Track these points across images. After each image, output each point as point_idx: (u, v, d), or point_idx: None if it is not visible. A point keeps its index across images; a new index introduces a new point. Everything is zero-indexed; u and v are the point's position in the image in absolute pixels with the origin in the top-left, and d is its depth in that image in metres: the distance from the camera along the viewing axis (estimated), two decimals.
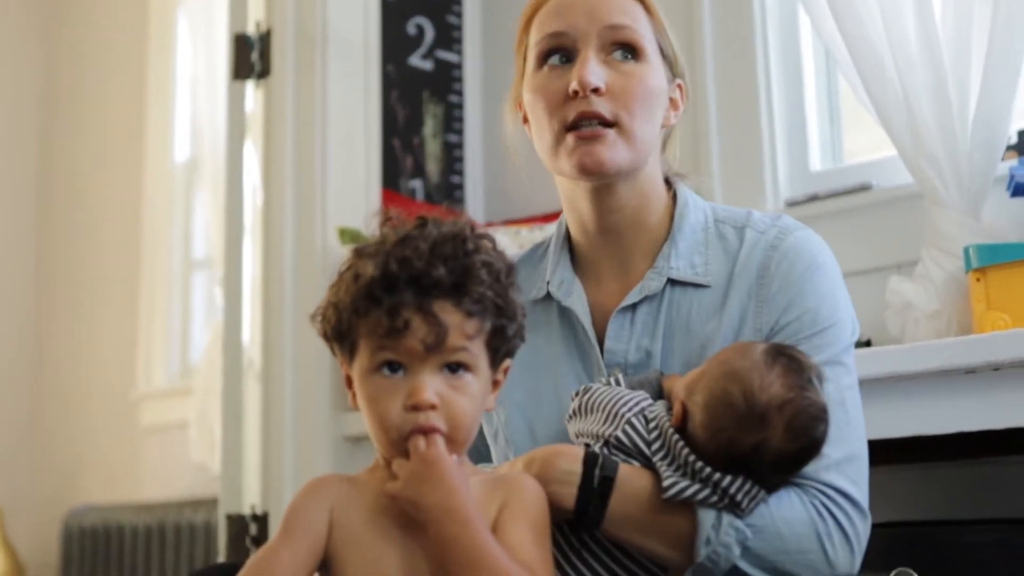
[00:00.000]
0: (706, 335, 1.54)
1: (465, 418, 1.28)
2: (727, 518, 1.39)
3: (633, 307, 1.58)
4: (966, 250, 2.04)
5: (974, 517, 2.16)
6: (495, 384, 1.35)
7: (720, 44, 2.72)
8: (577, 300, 1.62)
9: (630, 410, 1.46)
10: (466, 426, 1.29)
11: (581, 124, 1.54)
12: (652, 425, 1.45)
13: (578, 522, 1.42)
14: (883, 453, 1.69)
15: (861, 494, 1.46)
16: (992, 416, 1.81)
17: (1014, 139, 2.29)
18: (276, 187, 2.76)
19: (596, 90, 1.53)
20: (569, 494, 1.40)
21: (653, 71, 1.57)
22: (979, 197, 2.17)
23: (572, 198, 1.64)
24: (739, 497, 1.39)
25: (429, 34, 3.08)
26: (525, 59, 1.63)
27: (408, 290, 1.26)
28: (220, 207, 3.16)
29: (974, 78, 2.18)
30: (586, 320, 1.60)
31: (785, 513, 1.41)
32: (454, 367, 1.28)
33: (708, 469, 1.39)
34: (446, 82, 3.11)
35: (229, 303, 2.86)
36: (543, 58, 1.59)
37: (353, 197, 2.73)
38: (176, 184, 4.38)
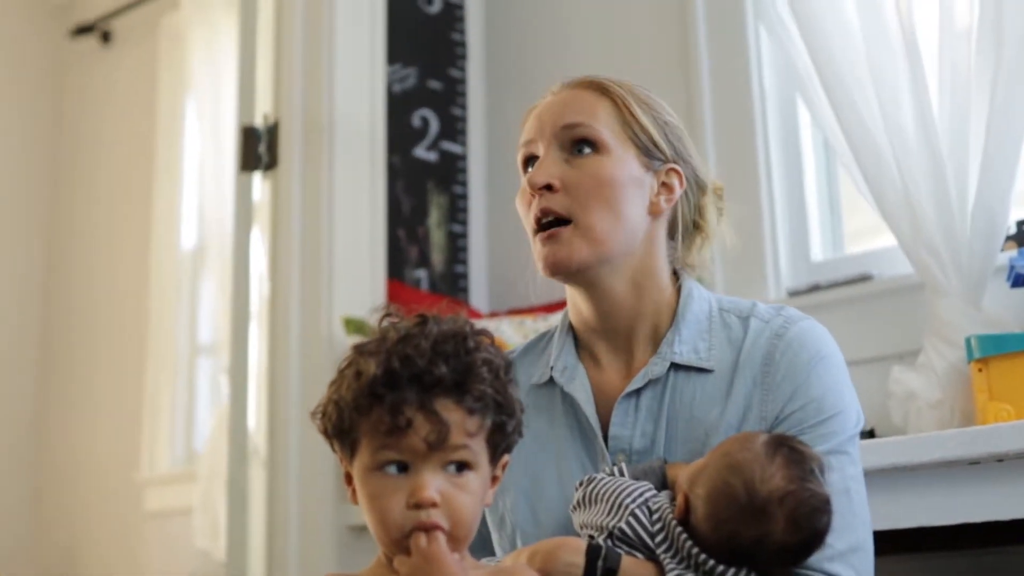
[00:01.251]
0: (710, 422, 1.54)
1: (466, 515, 1.28)
2: None
3: (637, 392, 1.59)
4: (968, 340, 2.05)
5: None
6: (494, 480, 1.35)
7: (720, 134, 2.75)
8: (580, 387, 1.63)
9: (633, 501, 1.47)
10: (467, 523, 1.29)
11: (543, 223, 1.58)
12: (656, 516, 1.45)
13: None
14: (887, 543, 1.69)
15: None
16: (996, 507, 1.80)
17: (1013, 229, 2.31)
18: (283, 276, 2.78)
19: (549, 187, 1.57)
20: None
21: (616, 162, 1.59)
22: (979, 286, 2.19)
23: (569, 291, 1.67)
24: None
25: (434, 126, 3.13)
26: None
27: (410, 388, 1.26)
28: (226, 294, 3.19)
29: (972, 167, 2.22)
30: (588, 407, 1.61)
31: None
32: (456, 465, 1.28)
33: (711, 562, 1.39)
34: (451, 173, 3.14)
35: (235, 390, 2.87)
36: (523, 165, 1.66)
37: (359, 286, 2.75)
38: (183, 270, 4.41)
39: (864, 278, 2.48)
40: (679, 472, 1.50)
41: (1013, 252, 2.22)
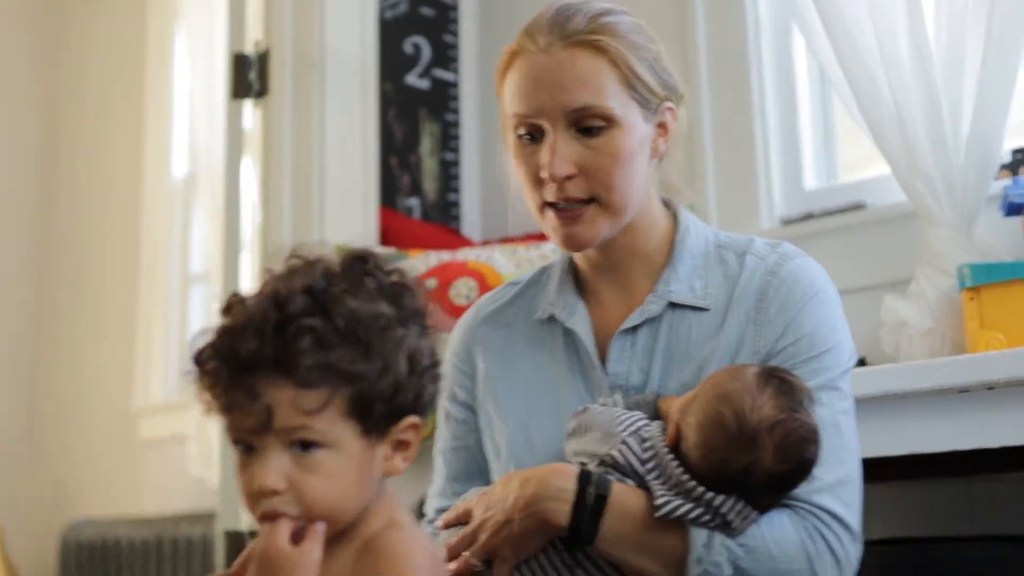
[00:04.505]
0: (704, 357, 1.55)
1: (320, 499, 1.18)
2: (718, 537, 1.41)
3: (634, 329, 1.59)
4: (960, 269, 2.06)
5: (969, 534, 2.17)
6: (401, 444, 1.24)
7: (714, 63, 2.74)
8: (580, 322, 1.63)
9: (625, 430, 1.48)
10: (325, 506, 1.19)
11: (559, 204, 1.55)
12: (647, 445, 1.47)
13: (572, 539, 1.44)
14: (877, 470, 1.70)
15: (853, 517, 1.48)
16: (986, 435, 1.81)
17: (1007, 158, 2.30)
18: (274, 205, 2.77)
19: (568, 176, 1.54)
20: (563, 511, 1.43)
21: (627, 131, 1.55)
22: (972, 216, 2.18)
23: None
24: (731, 517, 1.40)
25: (426, 53, 3.10)
26: (505, 106, 1.63)
27: (223, 370, 1.17)
28: (218, 222, 3.17)
29: (967, 97, 2.20)
30: (589, 342, 1.61)
31: (776, 534, 1.42)
32: (302, 444, 1.18)
33: (700, 489, 1.41)
34: (443, 101, 3.12)
35: None
36: (517, 130, 1.58)
37: (351, 215, 2.74)
38: (174, 200, 4.40)
39: (857, 206, 2.48)
40: (671, 404, 1.51)
41: (1007, 180, 2.22)
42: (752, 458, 1.39)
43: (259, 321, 1.17)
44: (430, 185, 3.00)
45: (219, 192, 3.09)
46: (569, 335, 1.64)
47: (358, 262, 1.24)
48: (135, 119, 4.51)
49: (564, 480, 1.44)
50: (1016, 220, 2.12)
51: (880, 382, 1.87)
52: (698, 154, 2.67)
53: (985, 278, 2.02)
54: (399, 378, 1.20)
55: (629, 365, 1.58)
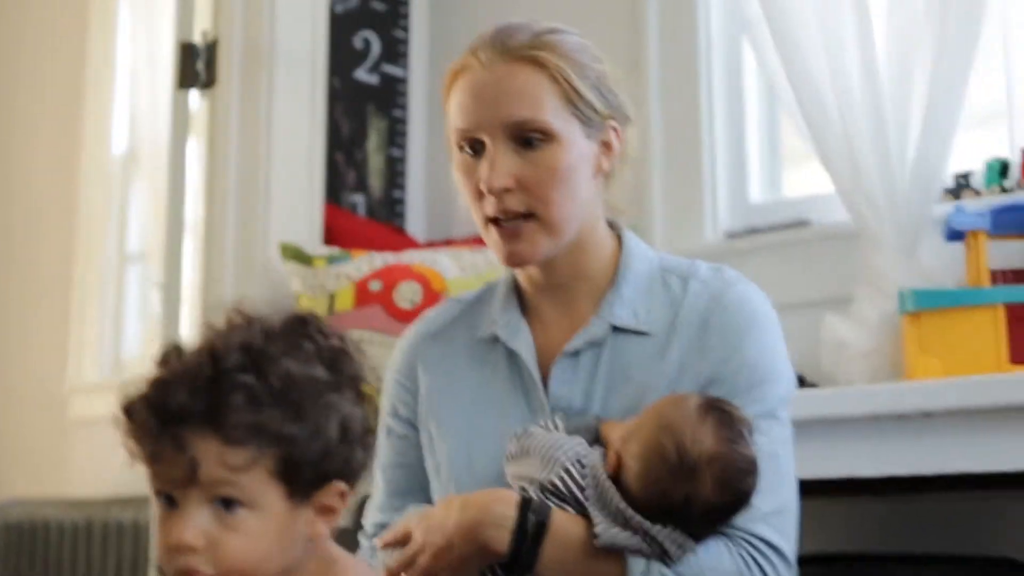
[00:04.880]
0: (646, 381, 1.56)
1: (238, 560, 1.17)
2: (656, 566, 1.43)
3: (576, 352, 1.60)
4: (901, 293, 2.08)
5: (895, 552, 2.21)
6: (326, 509, 1.23)
7: (664, 76, 2.75)
8: (523, 343, 1.64)
9: (565, 456, 1.49)
10: (241, 567, 1.18)
11: (499, 219, 1.56)
12: (587, 472, 1.48)
13: (511, 565, 1.44)
14: (806, 487, 1.72)
15: (788, 546, 1.50)
16: (922, 461, 1.84)
17: (950, 183, 2.33)
18: (219, 197, 2.74)
19: (506, 189, 1.54)
20: (504, 538, 1.44)
21: (566, 147, 1.56)
22: (915, 238, 2.21)
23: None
24: (668, 546, 1.42)
25: (375, 48, 3.08)
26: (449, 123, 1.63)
27: (156, 418, 1.16)
28: (158, 202, 3.13)
29: (914, 118, 2.23)
30: (531, 363, 1.62)
31: (712, 563, 1.44)
32: (224, 502, 1.17)
33: (639, 518, 1.42)
34: (391, 96, 3.10)
35: (167, 303, 2.85)
36: (460, 144, 1.59)
37: (296, 210, 2.72)
38: (113, 176, 4.33)
39: (801, 223, 2.50)
40: (612, 430, 1.52)
41: (950, 204, 2.25)
42: (691, 489, 1.41)
43: (193, 374, 1.17)
44: (376, 182, 2.99)
45: (161, 172, 3.04)
46: (512, 355, 1.64)
47: (299, 324, 1.24)
48: (75, 90, 4.42)
49: (504, 507, 1.45)
50: (957, 246, 2.14)
51: (818, 406, 1.89)
52: (645, 165, 2.68)
53: (926, 303, 2.04)
54: (329, 444, 1.20)
55: (571, 387, 1.59)
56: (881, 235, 2.22)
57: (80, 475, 4.11)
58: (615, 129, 1.62)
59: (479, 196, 1.56)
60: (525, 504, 1.45)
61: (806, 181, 2.65)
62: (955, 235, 2.12)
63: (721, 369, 1.54)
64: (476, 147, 1.57)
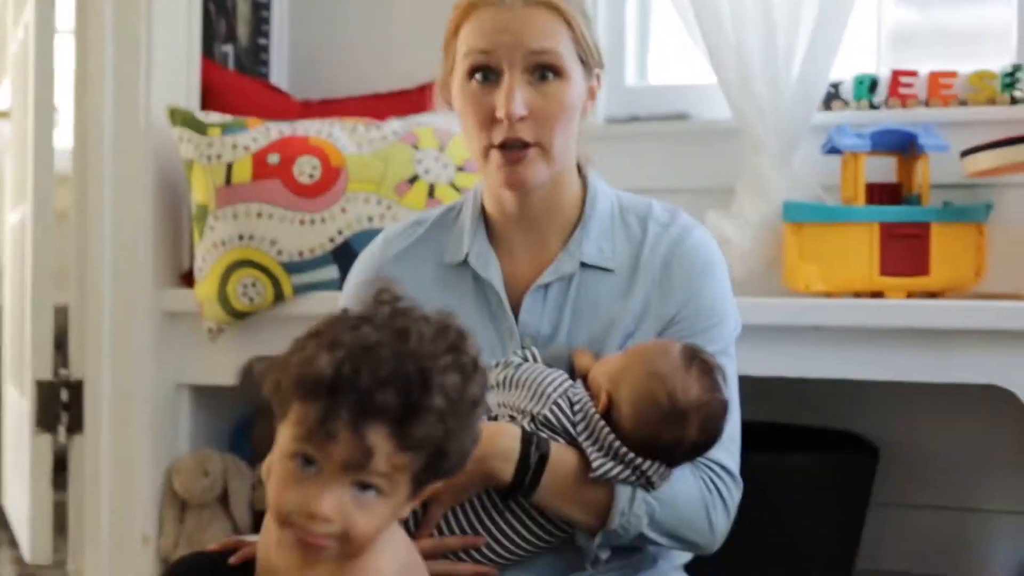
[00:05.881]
0: (612, 317, 1.73)
1: (362, 537, 1.26)
2: (640, 494, 1.62)
3: (547, 285, 1.75)
4: (786, 204, 2.30)
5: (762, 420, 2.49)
6: (416, 497, 1.33)
7: None
8: (494, 273, 1.76)
9: (555, 391, 1.65)
10: (361, 543, 1.27)
11: (506, 145, 1.67)
12: (577, 408, 1.64)
13: (510, 491, 1.61)
14: None
15: (736, 467, 1.72)
16: (798, 367, 2.16)
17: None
18: (94, 50, 2.65)
19: (521, 118, 1.65)
20: (508, 469, 1.58)
21: (573, 85, 1.69)
22: (793, 145, 2.40)
23: (495, 188, 1.76)
24: (653, 477, 1.61)
25: None
26: (454, 60, 1.72)
27: (348, 403, 1.20)
28: (28, 65, 2.94)
29: (803, 29, 2.37)
30: (502, 292, 1.75)
31: (682, 488, 1.65)
32: (366, 487, 1.25)
33: (631, 454, 1.61)
34: None
35: (39, 161, 2.79)
36: (471, 72, 1.68)
37: (175, 66, 2.65)
38: None
39: (681, 116, 2.66)
40: (587, 362, 1.69)
41: (831, 114, 2.46)
42: (679, 432, 1.60)
43: (403, 378, 1.21)
44: (243, 30, 2.93)
45: (29, 27, 2.87)
46: (480, 282, 1.77)
47: (457, 334, 1.30)
48: None
49: (510, 440, 1.59)
50: (832, 158, 2.36)
51: None
52: None
53: (808, 217, 2.27)
54: (464, 457, 1.31)
55: (540, 317, 1.74)
56: (763, 138, 2.38)
57: None
58: (598, 77, 1.76)
59: (488, 122, 1.66)
60: (527, 438, 1.61)
61: (687, 71, 2.77)
62: (833, 150, 2.34)
63: (682, 311, 1.73)
64: (489, 76, 1.66)
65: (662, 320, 1.72)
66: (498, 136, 1.66)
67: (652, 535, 1.64)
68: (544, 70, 1.66)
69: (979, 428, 2.46)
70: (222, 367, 2.54)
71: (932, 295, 2.26)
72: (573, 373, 1.70)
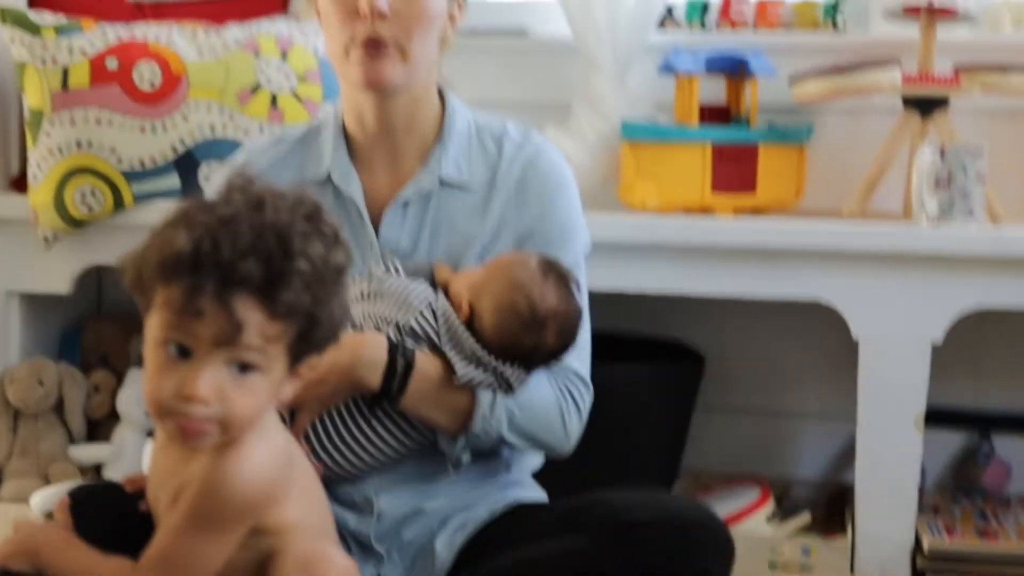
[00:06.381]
0: (470, 233, 1.81)
1: (242, 418, 1.27)
2: (500, 398, 1.71)
3: (406, 201, 1.81)
4: (624, 123, 2.39)
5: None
6: (296, 375, 1.35)
7: None
8: (355, 190, 1.82)
9: (419, 301, 1.72)
10: (242, 424, 1.28)
11: (366, 44, 1.71)
12: (440, 317, 1.71)
13: (378, 398, 1.67)
14: None
15: (588, 373, 1.83)
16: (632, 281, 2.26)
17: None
18: None
19: (383, 16, 1.69)
20: (375, 377, 1.65)
21: None
22: (628, 64, 2.49)
23: (354, 100, 1.81)
24: (513, 381, 1.70)
25: None
26: None
27: (212, 277, 1.21)
28: None
29: None
30: (364, 209, 1.80)
31: (539, 393, 1.75)
32: (242, 365, 1.25)
33: (492, 359, 1.69)
34: None
35: None
36: None
37: None
38: None
39: (521, 32, 2.71)
40: (447, 275, 1.76)
41: (667, 35, 2.56)
42: (538, 338, 1.69)
43: (264, 248, 1.22)
44: None
45: None
46: (341, 199, 1.82)
47: (313, 206, 1.31)
48: None
49: (376, 350, 1.66)
50: (666, 78, 2.45)
51: None
52: None
53: (644, 136, 2.36)
54: (335, 325, 1.33)
55: (400, 232, 1.80)
56: (600, 57, 2.46)
57: None
58: (460, 5, 1.82)
59: (351, 17, 1.70)
60: (393, 347, 1.67)
61: None
62: (669, 70, 2.43)
63: (537, 225, 1.81)
64: None
65: (517, 235, 1.80)
66: (360, 32, 1.70)
67: (511, 438, 1.73)
68: None
69: (799, 340, 2.62)
70: (57, 275, 2.50)
71: (757, 211, 2.38)
72: (435, 285, 1.76)
